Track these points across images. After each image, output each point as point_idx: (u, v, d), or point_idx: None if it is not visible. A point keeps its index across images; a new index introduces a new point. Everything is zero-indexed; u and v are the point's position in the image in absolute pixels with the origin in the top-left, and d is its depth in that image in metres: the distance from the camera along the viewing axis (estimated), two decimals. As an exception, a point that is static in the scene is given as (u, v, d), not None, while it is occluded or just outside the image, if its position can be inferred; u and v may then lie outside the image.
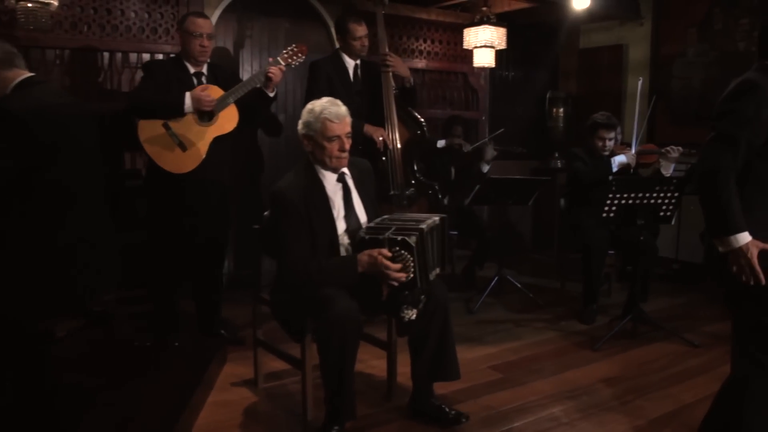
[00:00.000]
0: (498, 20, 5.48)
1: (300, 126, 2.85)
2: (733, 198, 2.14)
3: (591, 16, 5.99)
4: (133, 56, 4.51)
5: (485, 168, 5.13)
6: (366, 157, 4.01)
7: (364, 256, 2.67)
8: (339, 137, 2.79)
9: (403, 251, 2.65)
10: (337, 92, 4.05)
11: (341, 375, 2.62)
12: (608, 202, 3.93)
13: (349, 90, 4.12)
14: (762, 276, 2.13)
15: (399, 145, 4.12)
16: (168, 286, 3.75)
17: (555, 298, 4.94)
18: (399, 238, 2.65)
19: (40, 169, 2.45)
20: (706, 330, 4.23)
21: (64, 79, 4.31)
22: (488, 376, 3.47)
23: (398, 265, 2.64)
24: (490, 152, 5.08)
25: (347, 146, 2.83)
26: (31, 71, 2.71)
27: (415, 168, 4.21)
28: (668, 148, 4.45)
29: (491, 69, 6.09)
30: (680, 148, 4.51)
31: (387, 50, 4.18)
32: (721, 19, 5.38)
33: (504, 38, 5.48)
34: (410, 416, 2.98)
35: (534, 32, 6.37)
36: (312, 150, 2.84)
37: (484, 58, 5.53)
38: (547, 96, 6.34)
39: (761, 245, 2.15)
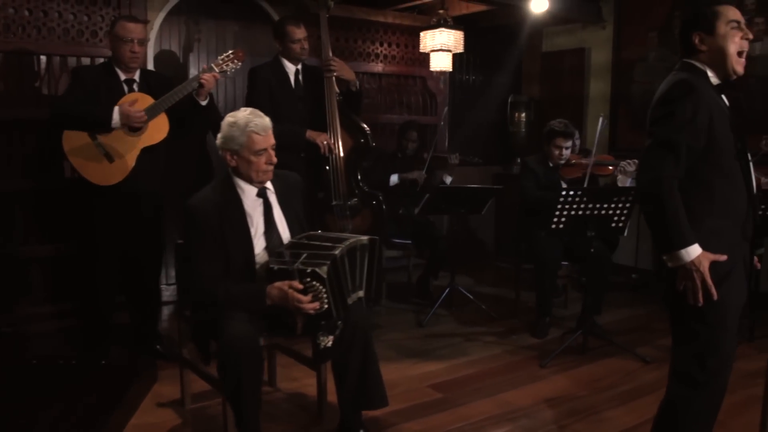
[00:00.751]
0: (457, 23, 5.37)
1: (221, 140, 2.71)
2: (679, 208, 2.04)
3: (553, 19, 5.91)
4: (72, 60, 4.34)
5: (448, 179, 5.01)
6: (309, 165, 3.91)
7: (273, 290, 2.53)
8: (266, 150, 2.68)
9: (314, 282, 2.51)
10: (278, 99, 3.93)
11: (240, 400, 2.48)
12: (557, 213, 3.81)
13: (290, 97, 3.98)
14: (714, 290, 2.03)
15: (342, 154, 3.98)
16: (99, 300, 3.60)
17: (510, 310, 4.82)
18: (309, 269, 2.50)
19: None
20: (661, 343, 4.13)
21: (-2, 83, 4.15)
22: (427, 396, 3.34)
23: (310, 297, 2.51)
24: (449, 178, 4.99)
25: (274, 159, 2.72)
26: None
27: (359, 177, 4.07)
28: (625, 162, 4.35)
29: (452, 73, 5.97)
30: (636, 161, 4.42)
31: (330, 54, 4.03)
32: (681, 24, 5.27)
33: (461, 42, 5.36)
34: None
35: (496, 35, 6.27)
36: (237, 165, 2.71)
37: (441, 62, 5.41)
38: (509, 100, 6.23)
39: (712, 256, 2.05)
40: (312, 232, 2.82)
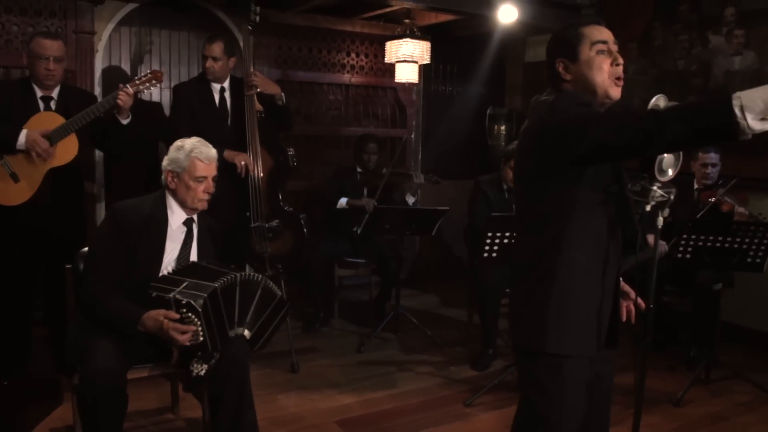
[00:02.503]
0: (427, 33, 5.18)
1: (166, 161, 2.73)
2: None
3: (531, 29, 5.65)
4: (15, 72, 4.31)
5: (411, 199, 4.81)
6: (232, 185, 3.79)
7: (149, 319, 2.44)
8: (206, 178, 2.70)
9: (190, 314, 2.41)
10: (199, 118, 3.82)
11: None
12: (488, 241, 3.62)
13: (213, 115, 3.86)
14: None
15: (262, 174, 3.84)
16: (8, 318, 3.55)
17: (462, 336, 4.62)
18: (185, 300, 2.41)
19: None
20: (615, 383, 3.87)
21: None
22: (326, 433, 3.21)
23: (185, 328, 2.41)
24: (411, 199, 4.80)
25: (211, 189, 2.73)
26: None
27: (280, 198, 3.93)
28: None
29: (426, 83, 5.79)
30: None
31: (252, 70, 3.88)
32: (661, 35, 4.98)
33: (428, 52, 5.17)
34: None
35: (474, 45, 6.03)
36: (175, 187, 2.70)
37: (407, 73, 5.23)
38: (488, 112, 6.00)
39: None
40: (208, 262, 2.72)
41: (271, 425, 3.23)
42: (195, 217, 2.78)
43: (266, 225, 3.85)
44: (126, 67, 4.73)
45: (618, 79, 1.90)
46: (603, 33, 1.92)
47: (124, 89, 3.42)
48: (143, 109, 4.54)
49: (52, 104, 3.50)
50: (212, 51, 3.83)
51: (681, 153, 1.86)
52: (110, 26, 4.57)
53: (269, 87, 3.92)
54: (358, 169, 4.90)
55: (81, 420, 2.42)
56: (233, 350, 2.56)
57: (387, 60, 5.26)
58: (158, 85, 3.54)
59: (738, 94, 1.47)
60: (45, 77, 3.43)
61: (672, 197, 1.87)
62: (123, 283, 2.55)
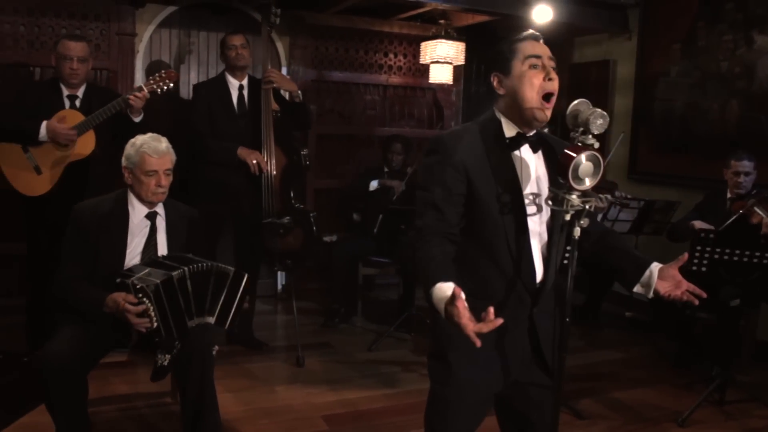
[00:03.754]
0: (463, 34, 5.17)
1: (123, 158, 2.84)
2: (429, 258, 1.81)
3: (580, 29, 5.51)
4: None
5: None
6: (248, 182, 3.91)
7: (111, 301, 2.57)
8: (156, 172, 2.77)
9: (144, 299, 2.54)
10: (217, 116, 3.97)
11: (53, 414, 2.56)
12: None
13: (230, 113, 4.00)
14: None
15: (275, 171, 3.94)
16: (39, 298, 3.81)
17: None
18: (139, 285, 2.53)
19: None
20: (613, 397, 3.74)
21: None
22: (311, 427, 3.26)
23: (139, 311, 2.53)
24: None
25: (164, 182, 2.79)
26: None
27: (292, 196, 4.02)
28: (600, 196, 4.01)
29: (466, 84, 5.76)
30: (609, 197, 4.07)
31: (270, 67, 3.99)
32: (705, 35, 4.74)
33: (463, 53, 5.15)
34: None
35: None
36: (132, 183, 2.82)
37: (441, 74, 5.22)
38: (530, 114, 5.87)
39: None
40: (182, 254, 2.83)
41: (258, 415, 3.34)
42: (160, 209, 2.86)
43: (277, 221, 3.96)
44: (165, 67, 4.95)
45: (548, 97, 1.89)
46: (537, 48, 1.90)
47: (138, 90, 3.61)
48: (181, 104, 4.79)
49: (77, 102, 3.74)
50: (238, 39, 4.00)
51: (601, 163, 1.80)
52: (151, 28, 4.82)
53: (286, 83, 4.03)
54: (385, 169, 4.95)
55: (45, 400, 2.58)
56: (194, 341, 2.65)
57: (422, 61, 5.27)
58: (172, 84, 3.70)
59: (437, 285, 1.69)
60: (69, 76, 3.67)
61: (590, 207, 1.80)
62: (90, 277, 2.68)
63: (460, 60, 5.15)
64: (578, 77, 5.82)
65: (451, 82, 5.29)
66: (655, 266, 1.96)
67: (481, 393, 1.98)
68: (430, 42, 5.16)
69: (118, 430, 3.14)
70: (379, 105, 5.63)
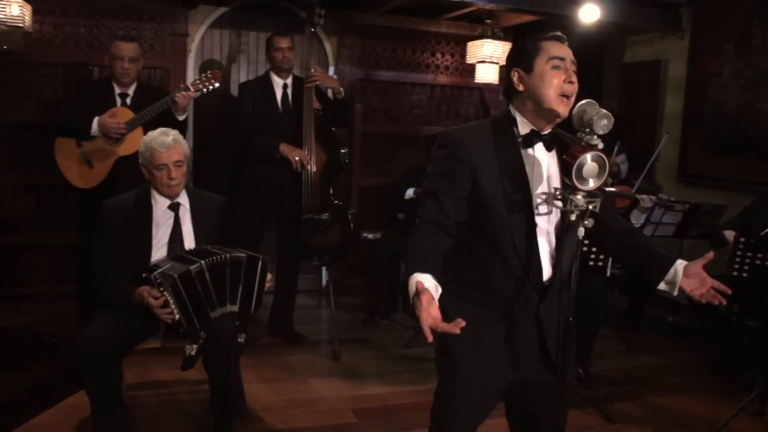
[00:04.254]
0: (512, 34, 5.17)
1: (139, 156, 2.96)
2: (418, 246, 1.85)
3: (631, 28, 5.41)
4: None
5: None
6: (288, 179, 4.01)
7: (137, 294, 2.71)
8: (166, 165, 2.86)
9: (164, 292, 2.65)
10: (262, 114, 4.08)
11: (93, 402, 2.69)
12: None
13: (274, 112, 4.10)
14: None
15: (315, 168, 4.03)
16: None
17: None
18: (159, 279, 2.65)
19: None
20: (649, 402, 3.69)
21: (57, 91, 4.74)
22: (340, 419, 3.34)
23: (160, 303, 2.66)
24: None
25: (174, 174, 2.87)
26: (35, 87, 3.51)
27: (331, 193, 4.10)
28: (642, 197, 3.99)
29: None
30: (653, 198, 4.03)
31: (314, 65, 4.08)
32: (759, 34, 4.59)
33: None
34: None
35: (571, 44, 5.84)
36: (149, 178, 2.93)
37: (487, 74, 5.22)
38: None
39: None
40: (205, 247, 2.93)
41: (289, 405, 3.44)
42: (183, 200, 2.96)
43: (316, 217, 4.04)
44: (216, 66, 5.12)
45: (566, 96, 1.89)
46: (562, 50, 1.93)
47: (184, 90, 3.76)
48: (231, 103, 4.93)
49: (128, 100, 3.92)
50: (285, 42, 4.11)
51: (606, 164, 1.80)
52: (202, 28, 4.99)
53: (328, 80, 4.12)
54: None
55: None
56: (217, 331, 2.75)
57: (468, 60, 5.28)
58: (217, 84, 3.84)
59: (413, 275, 1.73)
60: (121, 75, 3.86)
61: (593, 208, 1.80)
62: (121, 270, 2.82)
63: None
64: (629, 77, 5.72)
65: (497, 82, 5.27)
66: (680, 263, 1.95)
67: (487, 389, 1.99)
68: (476, 42, 5.17)
69: (155, 415, 3.29)
70: (426, 104, 5.66)
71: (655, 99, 5.42)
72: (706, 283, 1.92)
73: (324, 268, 5.40)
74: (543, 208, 1.93)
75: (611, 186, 4.63)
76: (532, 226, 1.91)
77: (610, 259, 3.59)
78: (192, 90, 3.78)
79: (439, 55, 5.65)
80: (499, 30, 5.16)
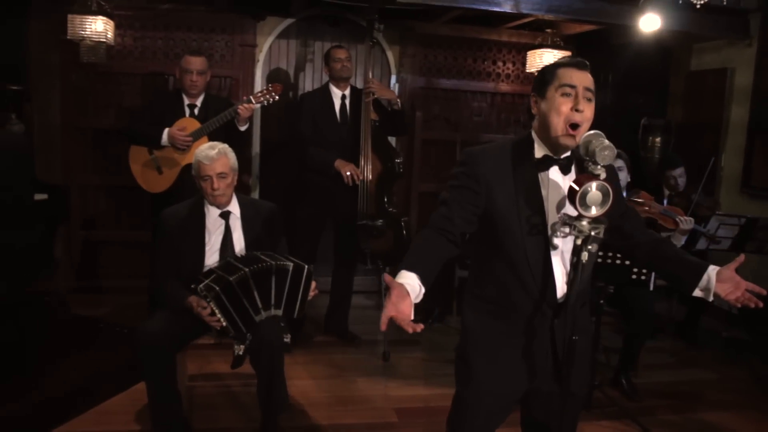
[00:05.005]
0: (573, 42, 5.21)
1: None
2: (416, 246, 2.01)
3: (697, 35, 5.33)
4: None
5: None
6: (345, 187, 4.20)
7: (188, 303, 2.97)
8: (210, 177, 3.08)
9: (210, 301, 2.89)
10: (321, 124, 4.29)
11: (149, 390, 2.96)
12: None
13: (332, 122, 4.29)
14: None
15: (371, 177, 4.20)
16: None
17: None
18: (203, 293, 2.90)
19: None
20: (690, 416, 3.68)
21: (136, 99, 5.11)
22: (380, 418, 3.51)
23: (208, 313, 2.91)
24: None
25: (217, 185, 3.08)
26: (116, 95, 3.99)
27: (386, 200, 4.26)
28: (681, 218, 3.99)
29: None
30: (691, 219, 4.01)
31: (372, 78, 4.25)
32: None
33: (568, 63, 5.14)
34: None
35: (633, 52, 5.78)
36: (199, 188, 3.18)
37: (545, 83, 5.24)
38: (642, 123, 5.74)
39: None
40: (253, 253, 3.15)
41: (334, 402, 3.64)
42: (234, 208, 3.19)
43: (371, 224, 4.23)
44: (283, 75, 5.38)
45: (573, 126, 1.93)
46: (575, 77, 1.94)
47: (247, 102, 4.01)
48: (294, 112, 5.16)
49: (196, 111, 4.20)
50: (343, 53, 4.31)
51: (610, 193, 1.87)
52: (270, 39, 5.25)
53: (385, 92, 4.28)
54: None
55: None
56: (262, 333, 2.96)
57: (528, 69, 5.33)
58: (278, 97, 4.07)
59: (401, 271, 1.85)
60: (189, 87, 4.14)
61: (597, 234, 1.88)
62: (178, 273, 3.08)
63: (566, 69, 5.15)
64: (694, 86, 5.62)
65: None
66: (713, 269, 2.00)
67: (501, 397, 2.10)
68: (536, 51, 5.22)
69: (209, 404, 3.55)
70: (486, 112, 5.74)
71: (720, 108, 5.31)
72: (740, 286, 1.97)
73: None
74: (558, 230, 2.01)
75: (668, 198, 4.62)
76: (547, 247, 2.00)
77: (653, 272, 3.61)
78: (254, 102, 4.03)
79: (500, 63, 5.71)
80: (559, 39, 5.19)
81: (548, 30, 5.19)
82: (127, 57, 5.05)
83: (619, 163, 4.13)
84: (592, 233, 1.88)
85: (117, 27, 4.72)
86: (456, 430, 2.20)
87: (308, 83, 5.38)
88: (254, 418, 3.32)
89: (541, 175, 2.02)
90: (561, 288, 2.02)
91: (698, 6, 4.20)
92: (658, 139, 5.70)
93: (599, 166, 1.88)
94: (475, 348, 2.10)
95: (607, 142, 1.88)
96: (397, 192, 5.46)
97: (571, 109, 1.93)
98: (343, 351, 4.43)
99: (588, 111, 1.96)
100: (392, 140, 5.05)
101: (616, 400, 3.68)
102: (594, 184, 1.87)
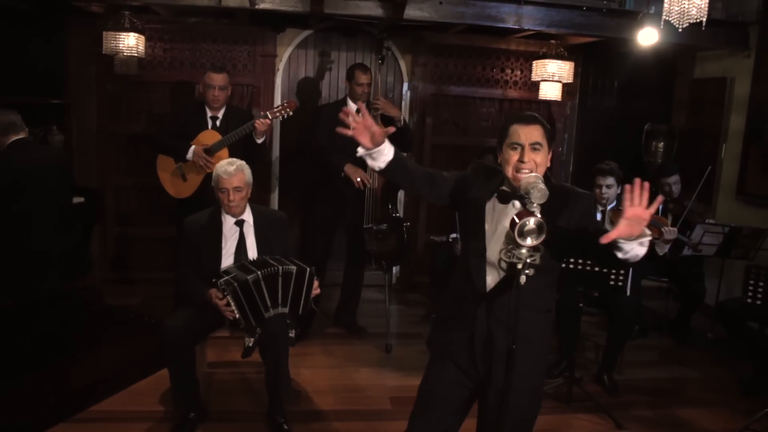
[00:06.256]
0: (578, 51, 5.45)
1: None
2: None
3: (697, 46, 5.53)
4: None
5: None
6: (354, 192, 4.55)
7: (208, 295, 3.37)
8: (227, 190, 3.47)
9: (227, 295, 3.29)
10: (336, 135, 4.60)
11: (172, 376, 3.39)
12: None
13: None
14: None
15: (377, 184, 4.55)
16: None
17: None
18: (222, 287, 3.30)
19: (9, 201, 3.57)
20: (663, 413, 3.97)
21: (165, 106, 5.54)
22: (375, 405, 3.88)
23: (223, 304, 3.30)
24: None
25: (232, 197, 3.47)
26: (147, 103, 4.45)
27: (390, 207, 4.61)
28: (667, 229, 4.26)
29: (582, 98, 5.99)
30: (675, 230, 4.29)
31: (379, 95, 4.58)
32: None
33: (571, 72, 5.42)
34: (263, 420, 3.61)
35: (638, 60, 5.98)
36: (217, 198, 3.57)
37: (550, 91, 5.53)
38: (645, 128, 5.97)
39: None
40: (264, 258, 3.53)
41: (335, 390, 4.04)
42: (247, 217, 3.57)
43: (375, 227, 4.59)
44: (302, 83, 5.74)
45: (519, 171, 2.33)
46: (522, 134, 2.32)
47: (263, 117, 4.37)
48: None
49: (217, 123, 4.58)
50: (366, 78, 4.60)
51: (544, 228, 2.19)
52: (289, 49, 5.62)
53: (390, 110, 4.60)
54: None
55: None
56: (269, 328, 3.36)
57: (533, 78, 5.60)
58: (291, 113, 4.42)
59: None
60: (212, 101, 4.52)
61: (533, 261, 2.20)
62: (197, 273, 3.48)
63: (569, 78, 5.42)
64: (697, 93, 5.82)
65: (560, 99, 5.57)
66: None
67: (447, 387, 2.49)
68: (540, 61, 5.48)
69: (226, 389, 3.97)
70: (495, 117, 6.02)
71: (719, 116, 5.51)
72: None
73: (394, 267, 5.93)
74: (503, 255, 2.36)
75: (663, 205, 4.87)
76: (482, 255, 2.41)
77: (630, 279, 3.90)
78: (270, 118, 4.39)
79: (508, 71, 5.98)
80: (563, 49, 5.43)
81: (553, 41, 5.44)
82: (157, 67, 5.47)
83: (610, 180, 4.38)
84: (528, 260, 2.21)
85: (147, 40, 5.14)
86: (410, 422, 2.57)
87: (325, 91, 5.74)
88: (264, 402, 3.69)
89: (503, 207, 2.41)
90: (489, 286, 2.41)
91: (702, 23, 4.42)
92: (661, 144, 5.93)
93: (535, 204, 2.20)
94: (432, 340, 2.61)
95: (541, 185, 2.19)
96: (407, 195, 5.82)
97: (518, 160, 2.33)
98: (350, 343, 4.81)
99: (536, 158, 2.34)
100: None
101: (593, 396, 3.98)
102: (532, 220, 2.19)
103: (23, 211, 3.61)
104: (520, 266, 2.24)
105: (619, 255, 2.15)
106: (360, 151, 2.53)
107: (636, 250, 2.12)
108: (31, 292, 3.72)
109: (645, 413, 3.95)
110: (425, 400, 2.54)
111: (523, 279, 2.24)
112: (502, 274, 2.39)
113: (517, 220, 2.21)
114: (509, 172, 2.34)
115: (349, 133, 2.44)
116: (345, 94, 4.81)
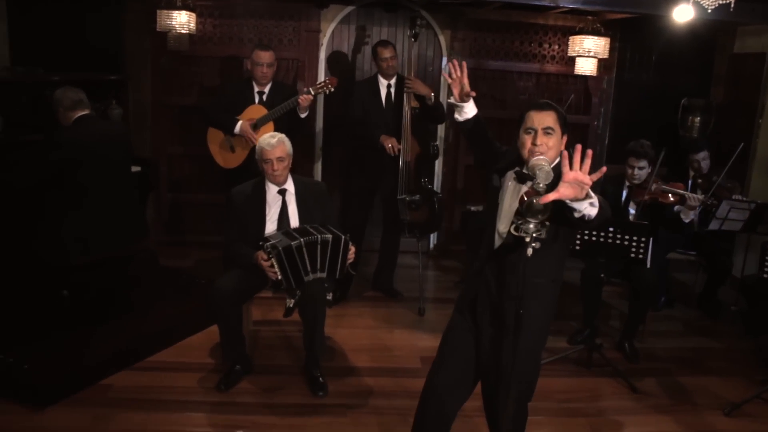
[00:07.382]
0: (617, 25, 5.57)
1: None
2: None
3: (735, 22, 5.54)
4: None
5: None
6: (389, 165, 4.81)
7: (254, 257, 3.69)
8: (271, 160, 3.77)
9: (271, 257, 3.61)
10: (369, 109, 4.89)
11: (220, 328, 3.75)
12: (577, 236, 4.13)
13: (379, 108, 4.89)
14: None
15: (409, 158, 4.79)
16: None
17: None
18: (268, 249, 3.61)
19: (71, 171, 3.91)
20: (678, 380, 4.16)
21: (215, 79, 5.86)
22: (406, 363, 4.19)
23: (268, 265, 3.62)
24: None
25: (276, 167, 3.77)
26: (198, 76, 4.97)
27: (424, 180, 4.85)
28: (689, 194, 4.38)
29: (620, 72, 6.08)
30: (700, 197, 4.40)
31: (411, 75, 4.78)
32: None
33: (607, 48, 5.52)
34: (301, 374, 3.95)
35: (677, 34, 6.01)
36: (261, 170, 3.88)
37: (585, 67, 5.64)
38: (682, 103, 6.02)
39: None
40: (306, 226, 3.84)
41: (370, 349, 4.36)
42: (289, 186, 3.86)
43: (408, 198, 4.84)
44: (344, 58, 5.98)
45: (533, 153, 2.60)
46: (536, 119, 2.59)
47: (306, 93, 4.63)
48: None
49: (264, 97, 4.86)
50: (389, 52, 4.84)
51: (549, 208, 2.41)
52: (332, 25, 5.85)
53: (420, 89, 4.80)
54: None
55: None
56: (309, 291, 3.68)
57: (569, 54, 5.71)
58: (333, 89, 4.67)
59: None
60: (260, 78, 4.80)
61: (539, 235, 2.43)
62: (243, 239, 3.80)
63: (605, 54, 5.53)
64: (735, 68, 5.84)
65: (596, 74, 5.67)
66: None
67: (457, 335, 2.83)
68: (577, 36, 5.59)
69: (268, 345, 4.33)
70: (532, 91, 6.16)
71: (756, 92, 5.54)
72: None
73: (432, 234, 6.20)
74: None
75: (692, 180, 5.00)
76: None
77: (650, 251, 4.07)
78: (312, 93, 4.65)
79: (545, 46, 6.09)
80: (600, 25, 5.52)
81: (590, 17, 5.52)
82: (207, 42, 5.77)
83: (643, 162, 4.49)
84: (534, 235, 2.44)
85: (198, 16, 5.44)
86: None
87: (366, 65, 5.95)
88: (303, 358, 4.01)
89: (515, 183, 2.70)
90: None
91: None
92: (697, 119, 5.98)
93: (541, 185, 2.43)
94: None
95: (546, 167, 2.42)
96: (446, 164, 6.05)
97: (532, 143, 2.60)
98: (386, 306, 5.11)
99: (548, 142, 2.60)
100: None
101: (612, 361, 4.20)
102: (535, 199, 2.42)
103: (88, 183, 3.95)
104: (527, 239, 2.48)
105: (575, 215, 2.38)
106: (450, 99, 2.95)
107: (587, 210, 2.34)
108: (104, 252, 4.08)
109: (660, 380, 4.14)
110: (441, 348, 2.89)
111: (529, 251, 2.49)
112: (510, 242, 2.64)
113: (525, 198, 2.44)
114: (525, 154, 2.61)
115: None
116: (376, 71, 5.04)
